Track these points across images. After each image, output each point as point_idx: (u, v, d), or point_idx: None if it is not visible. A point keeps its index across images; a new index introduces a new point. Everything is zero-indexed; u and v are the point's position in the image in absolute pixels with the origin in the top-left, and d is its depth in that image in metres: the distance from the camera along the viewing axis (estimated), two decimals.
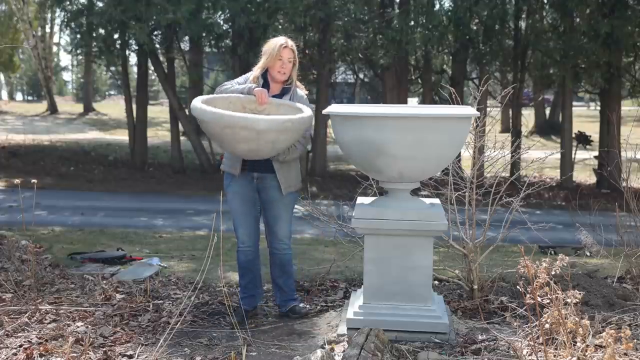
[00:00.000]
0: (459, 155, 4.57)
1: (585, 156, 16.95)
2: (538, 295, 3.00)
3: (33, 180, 5.60)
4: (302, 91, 4.47)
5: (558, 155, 15.09)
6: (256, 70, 4.42)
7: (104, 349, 3.74)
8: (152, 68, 18.31)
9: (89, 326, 4.09)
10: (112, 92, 54.79)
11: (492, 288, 4.70)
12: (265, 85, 4.40)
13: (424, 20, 14.69)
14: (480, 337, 3.90)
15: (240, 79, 4.49)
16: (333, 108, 3.99)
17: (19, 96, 54.09)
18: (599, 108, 17.99)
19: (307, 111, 4.17)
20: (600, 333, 3.15)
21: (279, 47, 4.32)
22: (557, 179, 14.70)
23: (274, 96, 4.38)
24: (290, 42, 4.37)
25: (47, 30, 36.79)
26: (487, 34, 15.23)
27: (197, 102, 4.03)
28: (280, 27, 15.19)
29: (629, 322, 3.99)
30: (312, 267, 5.86)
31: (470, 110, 3.97)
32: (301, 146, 4.38)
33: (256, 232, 4.49)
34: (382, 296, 3.96)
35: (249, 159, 4.26)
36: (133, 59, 20.35)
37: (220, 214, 4.02)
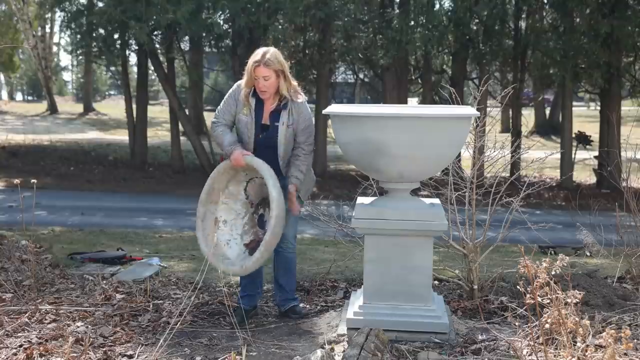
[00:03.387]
0: (459, 155, 4.57)
1: (585, 156, 16.94)
2: (538, 295, 3.00)
3: (33, 180, 5.60)
4: (300, 98, 4.27)
5: (558, 155, 15.08)
6: (244, 89, 4.22)
7: (104, 349, 3.74)
8: (152, 68, 18.32)
9: (89, 326, 4.09)
10: (112, 92, 54.74)
11: (492, 288, 4.70)
12: (259, 102, 4.26)
13: (424, 20, 14.69)
14: (480, 337, 3.89)
15: (230, 98, 4.28)
16: (333, 108, 3.99)
17: (19, 96, 54.03)
18: (599, 108, 17.99)
19: (275, 192, 3.99)
20: (600, 333, 3.14)
21: (252, 67, 4.09)
22: (557, 179, 14.71)
23: (271, 112, 4.24)
24: (268, 56, 4.09)
25: (47, 30, 36.75)
26: (487, 34, 15.23)
27: (202, 243, 4.15)
28: (280, 27, 15.19)
29: (629, 322, 4.00)
30: (312, 267, 5.86)
31: (470, 110, 3.97)
32: (310, 157, 4.34)
33: None
34: (382, 296, 3.95)
35: None
36: (133, 59, 20.38)
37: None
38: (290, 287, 4.50)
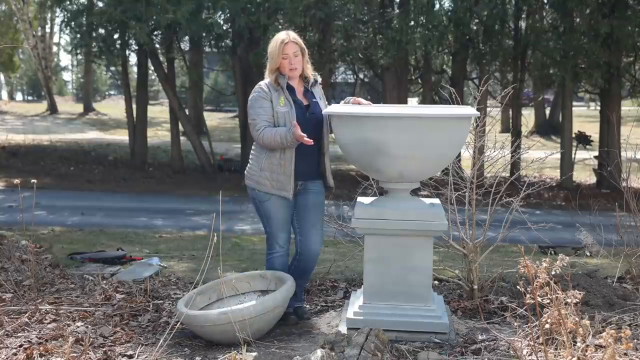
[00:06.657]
0: (459, 155, 4.57)
1: (585, 156, 16.95)
2: (538, 295, 3.00)
3: (33, 180, 5.59)
4: (320, 84, 4.29)
5: (558, 155, 15.09)
6: (269, 76, 4.14)
7: (104, 349, 3.74)
8: (152, 68, 18.33)
9: (89, 326, 4.09)
10: (112, 92, 54.74)
11: (492, 288, 4.70)
12: (289, 87, 4.15)
13: (424, 20, 14.70)
14: (480, 337, 3.89)
15: (261, 99, 4.09)
16: (333, 108, 3.99)
17: (19, 96, 54.03)
18: (599, 108, 17.99)
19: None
20: (600, 333, 3.14)
21: (279, 45, 4.07)
22: (557, 179, 14.72)
23: (303, 93, 4.19)
24: (292, 35, 4.12)
25: (47, 30, 36.78)
26: (487, 34, 15.23)
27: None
28: (280, 27, 15.17)
29: (629, 322, 3.99)
30: None
31: (470, 110, 3.97)
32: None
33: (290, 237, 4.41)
34: (382, 296, 3.95)
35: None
36: (133, 59, 20.41)
37: (220, 214, 4.01)
38: (301, 290, 4.43)
